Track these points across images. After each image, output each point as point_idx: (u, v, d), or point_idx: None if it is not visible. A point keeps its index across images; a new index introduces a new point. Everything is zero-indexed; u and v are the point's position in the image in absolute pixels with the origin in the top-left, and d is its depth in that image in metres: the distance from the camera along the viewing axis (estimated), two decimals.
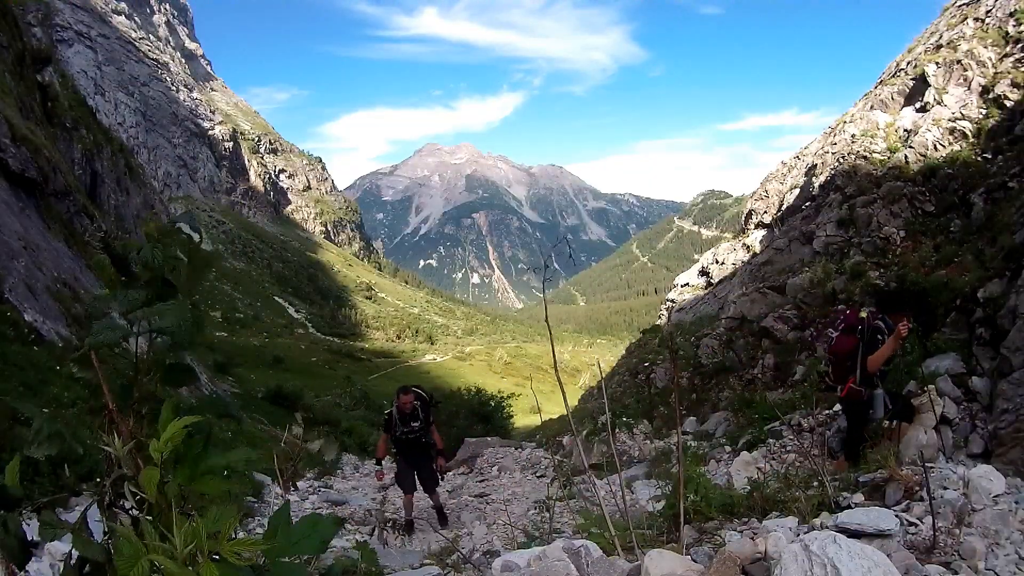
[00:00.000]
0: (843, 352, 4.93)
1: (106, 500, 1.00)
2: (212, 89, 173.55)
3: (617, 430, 9.65)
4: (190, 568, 0.87)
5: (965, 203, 11.19)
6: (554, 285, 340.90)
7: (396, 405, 6.85)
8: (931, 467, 3.19)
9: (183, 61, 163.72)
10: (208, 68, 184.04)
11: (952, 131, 14.07)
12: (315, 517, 1.07)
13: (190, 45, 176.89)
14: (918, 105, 16.22)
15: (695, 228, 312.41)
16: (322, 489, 9.16)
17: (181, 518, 0.93)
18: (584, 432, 10.49)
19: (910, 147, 14.81)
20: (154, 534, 0.90)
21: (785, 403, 7.72)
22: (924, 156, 14.13)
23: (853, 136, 17.86)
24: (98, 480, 1.04)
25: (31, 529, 0.99)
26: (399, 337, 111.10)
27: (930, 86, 15.84)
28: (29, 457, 1.04)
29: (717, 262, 26.07)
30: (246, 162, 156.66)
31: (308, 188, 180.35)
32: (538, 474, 9.71)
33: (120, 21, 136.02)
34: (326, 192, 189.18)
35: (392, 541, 6.48)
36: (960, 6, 18.30)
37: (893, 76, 19.41)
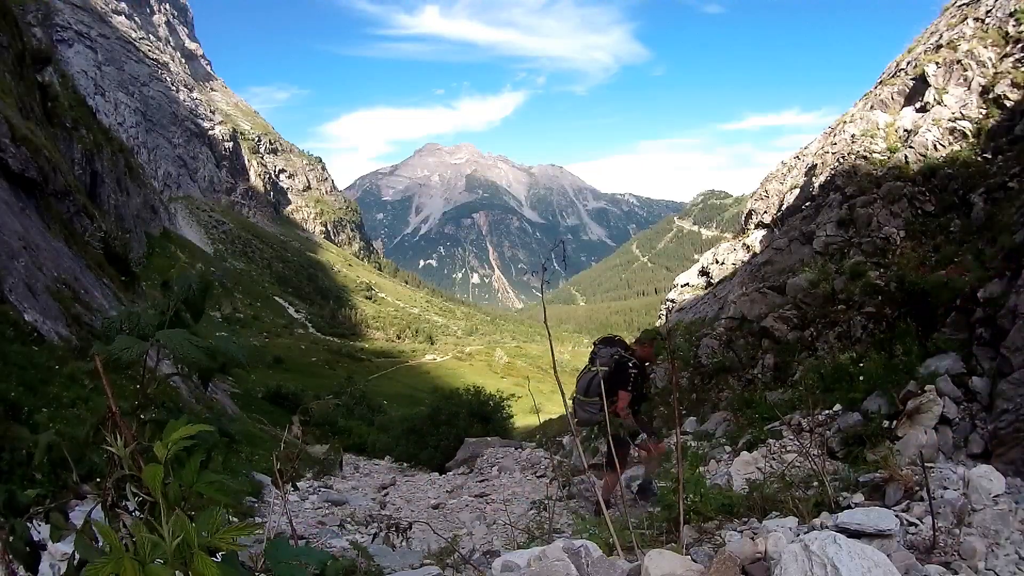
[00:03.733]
0: None
1: (108, 501, 1.00)
2: (212, 89, 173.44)
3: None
4: (182, 565, 0.86)
5: (965, 203, 11.19)
6: (554, 285, 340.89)
7: (642, 353, 5.06)
8: (931, 467, 3.19)
9: (183, 61, 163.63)
10: (208, 68, 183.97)
11: (952, 131, 14.07)
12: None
13: (190, 45, 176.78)
14: (918, 105, 16.21)
15: (695, 228, 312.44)
16: (322, 489, 9.16)
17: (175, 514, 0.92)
18: (584, 432, 10.48)
19: (910, 147, 14.81)
20: (146, 531, 0.89)
21: (785, 403, 7.70)
22: (924, 156, 14.13)
23: (853, 136, 17.85)
24: (98, 480, 1.04)
25: (41, 532, 0.99)
26: (399, 337, 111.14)
27: (930, 86, 15.84)
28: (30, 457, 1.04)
29: (717, 262, 26.05)
30: (246, 162, 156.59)
31: (308, 188, 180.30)
32: (538, 474, 9.71)
33: (120, 21, 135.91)
34: (326, 192, 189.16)
35: (397, 543, 6.44)
36: (960, 6, 18.29)
37: (893, 76, 19.40)
